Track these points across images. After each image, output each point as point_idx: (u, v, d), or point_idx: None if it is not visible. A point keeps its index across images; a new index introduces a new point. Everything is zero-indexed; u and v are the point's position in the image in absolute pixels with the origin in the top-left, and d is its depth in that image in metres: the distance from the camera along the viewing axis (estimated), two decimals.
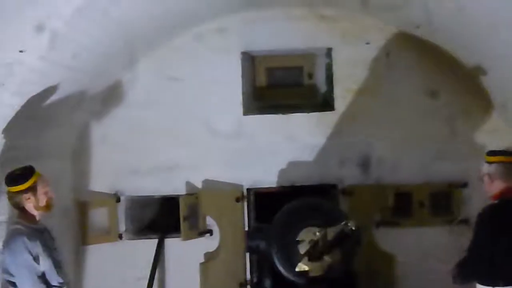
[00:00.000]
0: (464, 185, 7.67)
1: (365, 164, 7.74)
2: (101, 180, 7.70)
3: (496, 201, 5.18)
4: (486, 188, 5.32)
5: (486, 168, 5.29)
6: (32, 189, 5.29)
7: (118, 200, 7.71)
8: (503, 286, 5.02)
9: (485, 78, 7.24)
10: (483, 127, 7.75)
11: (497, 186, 5.19)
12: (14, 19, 5.09)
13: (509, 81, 6.80)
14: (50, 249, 5.39)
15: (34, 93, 5.75)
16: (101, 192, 7.70)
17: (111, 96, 7.68)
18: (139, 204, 7.90)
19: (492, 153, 5.32)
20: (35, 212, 5.35)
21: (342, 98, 7.75)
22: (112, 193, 7.69)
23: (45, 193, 5.39)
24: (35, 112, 6.01)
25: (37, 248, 5.21)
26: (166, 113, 7.70)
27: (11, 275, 5.18)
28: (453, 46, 7.35)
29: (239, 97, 7.75)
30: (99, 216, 7.71)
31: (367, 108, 7.71)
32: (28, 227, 5.26)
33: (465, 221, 7.58)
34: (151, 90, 7.71)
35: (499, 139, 7.43)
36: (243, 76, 7.77)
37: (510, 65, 6.45)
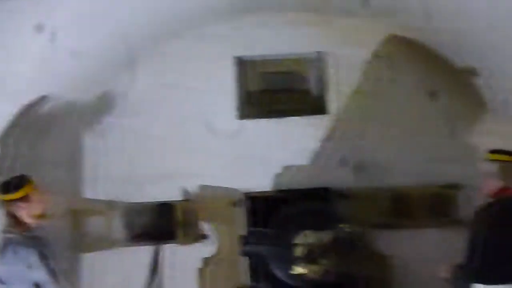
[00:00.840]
0: (461, 186, 7.65)
1: (360, 167, 7.72)
2: (96, 188, 7.67)
3: (492, 200, 5.18)
4: (485, 186, 5.32)
5: (486, 166, 5.30)
6: (26, 198, 5.27)
7: (114, 207, 7.69)
8: (500, 283, 5.01)
9: (479, 79, 7.24)
10: (478, 128, 7.74)
11: (495, 185, 5.19)
12: (8, 25, 5.11)
13: (503, 82, 6.80)
14: (46, 258, 5.37)
15: (28, 102, 5.75)
16: (97, 200, 7.69)
17: (106, 104, 7.68)
18: (135, 211, 7.85)
19: (493, 151, 5.33)
20: (29, 221, 5.33)
21: (336, 102, 7.74)
22: (108, 200, 7.69)
23: (41, 202, 5.38)
24: (30, 120, 6.01)
25: (32, 257, 5.19)
26: (160, 120, 7.69)
27: (4, 284, 5.17)
28: (448, 48, 7.35)
29: (234, 102, 7.76)
30: (95, 224, 7.69)
31: (362, 111, 7.70)
32: (22, 236, 5.25)
33: (462, 222, 7.57)
34: (145, 97, 7.69)
35: (494, 140, 7.42)
36: (237, 81, 7.78)
37: (502, 67, 6.44)
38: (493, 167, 5.21)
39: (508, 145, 5.87)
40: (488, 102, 7.55)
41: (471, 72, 7.12)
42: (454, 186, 7.70)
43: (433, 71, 7.68)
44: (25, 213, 5.28)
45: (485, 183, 5.28)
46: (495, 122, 7.57)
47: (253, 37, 7.69)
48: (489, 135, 7.53)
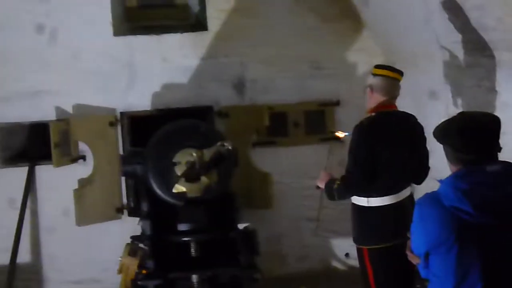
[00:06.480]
0: (336, 103, 7.81)
1: (240, 85, 7.73)
2: None
3: (373, 114, 5.25)
4: (367, 100, 5.38)
5: (370, 80, 5.35)
6: None
7: None
8: (376, 197, 5.17)
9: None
10: (353, 46, 7.86)
11: (376, 99, 5.26)
12: None
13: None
14: None
15: None
16: None
17: None
18: (8, 131, 7.56)
19: (378, 66, 5.36)
20: None
21: (215, 18, 7.62)
22: None
23: None
24: None
25: None
26: (31, 35, 7.33)
27: None
28: None
29: (109, 18, 7.47)
30: None
31: (241, 28, 7.62)
32: None
33: (337, 138, 7.75)
34: (14, 12, 7.29)
35: (368, 58, 7.59)
36: None
37: None
38: (376, 81, 5.27)
39: (384, 62, 6.00)
40: (364, 21, 7.67)
41: None
42: (331, 103, 7.84)
43: None
44: None
45: (367, 96, 5.35)
46: (370, 40, 7.74)
47: None
48: (364, 53, 7.71)
